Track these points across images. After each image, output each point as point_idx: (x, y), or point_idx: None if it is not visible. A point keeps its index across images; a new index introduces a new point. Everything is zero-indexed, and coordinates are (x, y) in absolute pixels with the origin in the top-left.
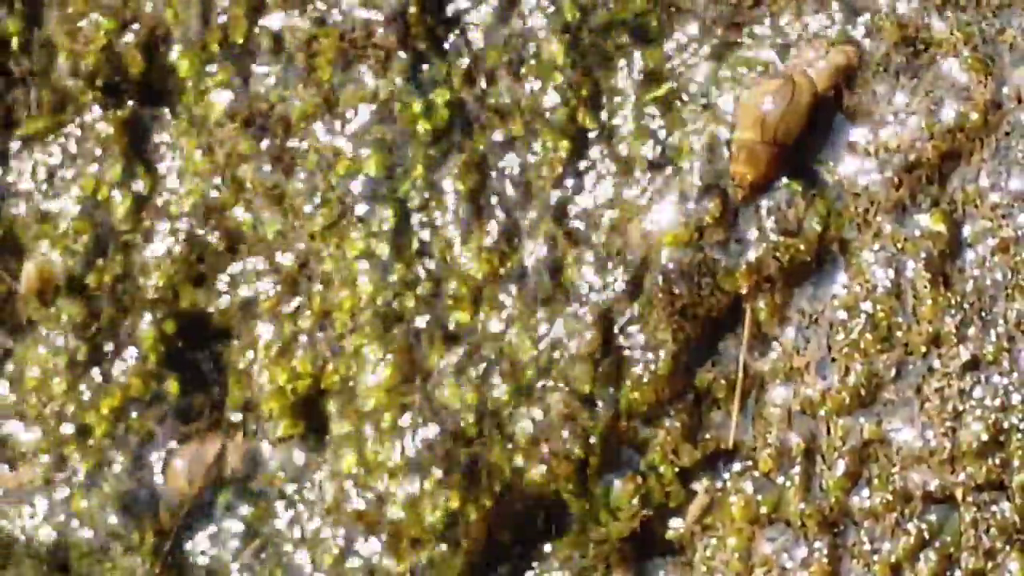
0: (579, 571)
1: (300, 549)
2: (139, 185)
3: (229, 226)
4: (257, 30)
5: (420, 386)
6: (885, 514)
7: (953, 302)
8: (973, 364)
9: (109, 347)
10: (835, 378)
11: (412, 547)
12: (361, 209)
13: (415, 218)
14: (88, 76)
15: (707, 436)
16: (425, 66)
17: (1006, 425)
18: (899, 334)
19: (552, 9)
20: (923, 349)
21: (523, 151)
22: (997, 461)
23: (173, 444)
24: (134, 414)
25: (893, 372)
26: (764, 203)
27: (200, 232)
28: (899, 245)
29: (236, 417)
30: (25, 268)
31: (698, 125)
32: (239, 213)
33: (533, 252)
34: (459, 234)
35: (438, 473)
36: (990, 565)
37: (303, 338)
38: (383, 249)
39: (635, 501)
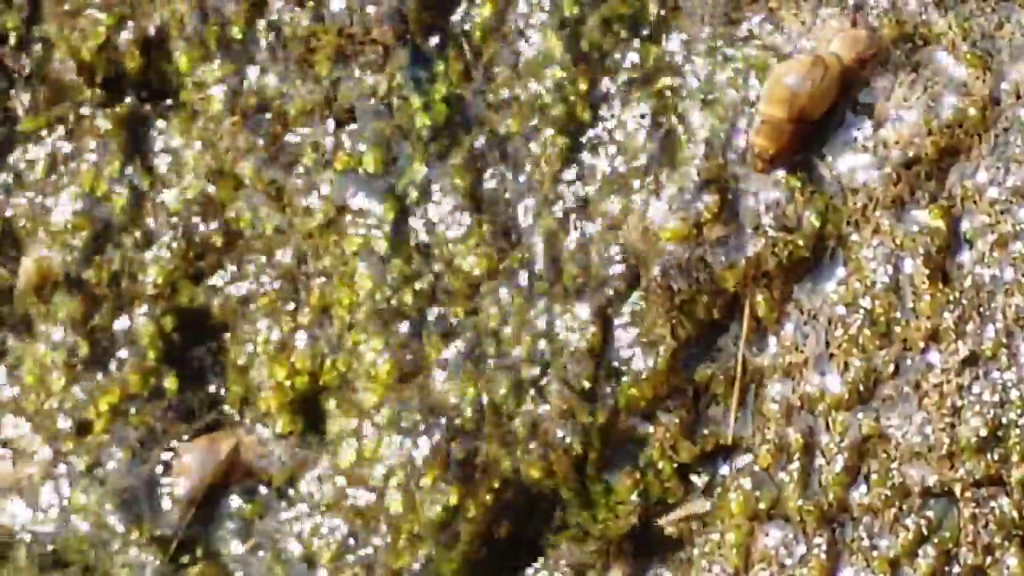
0: (577, 567)
1: (299, 545)
2: (137, 181)
3: (227, 222)
4: (256, 25)
5: (419, 382)
6: (884, 510)
7: (952, 298)
8: (972, 360)
9: (107, 343)
10: (834, 374)
11: (410, 543)
12: (359, 205)
13: (413, 214)
14: (86, 72)
15: (706, 432)
16: (423, 62)
17: (1005, 421)
18: (898, 330)
19: (551, 4)
20: (922, 345)
21: (521, 146)
22: (996, 457)
23: (174, 440)
24: (133, 410)
25: (892, 368)
26: (763, 198)
27: (199, 228)
28: (897, 241)
29: (235, 413)
30: (23, 264)
31: (696, 120)
32: (238, 209)
33: (531, 247)
34: (457, 230)
35: (437, 469)
36: (989, 560)
37: (302, 334)
38: (381, 245)
39: (634, 497)
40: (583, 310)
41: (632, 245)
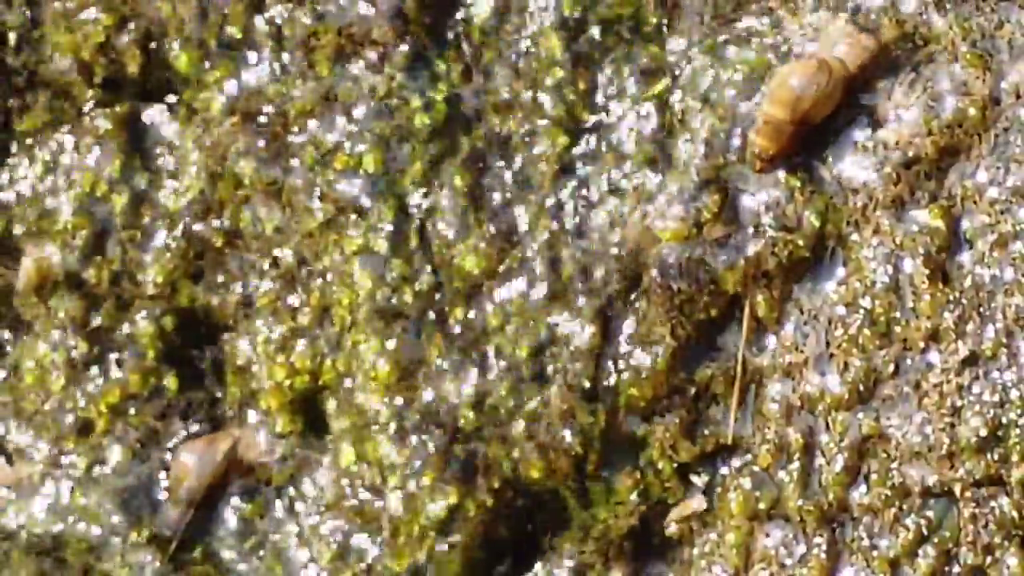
0: (578, 567)
1: (299, 545)
2: (138, 181)
3: (227, 222)
4: (255, 25)
5: (419, 382)
6: (884, 510)
7: (952, 298)
8: (972, 360)
9: (108, 343)
10: (834, 374)
11: (411, 543)
12: (359, 205)
13: (413, 214)
14: (86, 72)
15: (706, 432)
16: (423, 61)
17: (1004, 420)
18: (897, 330)
19: (551, 4)
20: (921, 345)
21: (521, 146)
22: (996, 456)
23: (174, 440)
24: (133, 410)
25: (892, 368)
26: (763, 198)
27: (199, 228)
28: (897, 241)
29: (235, 413)
30: (23, 264)
31: (696, 120)
32: (237, 209)
33: (531, 247)
34: (457, 230)
35: (437, 469)
36: (989, 560)
37: (302, 334)
38: (381, 245)
39: (634, 497)
40: (583, 310)
41: (632, 245)
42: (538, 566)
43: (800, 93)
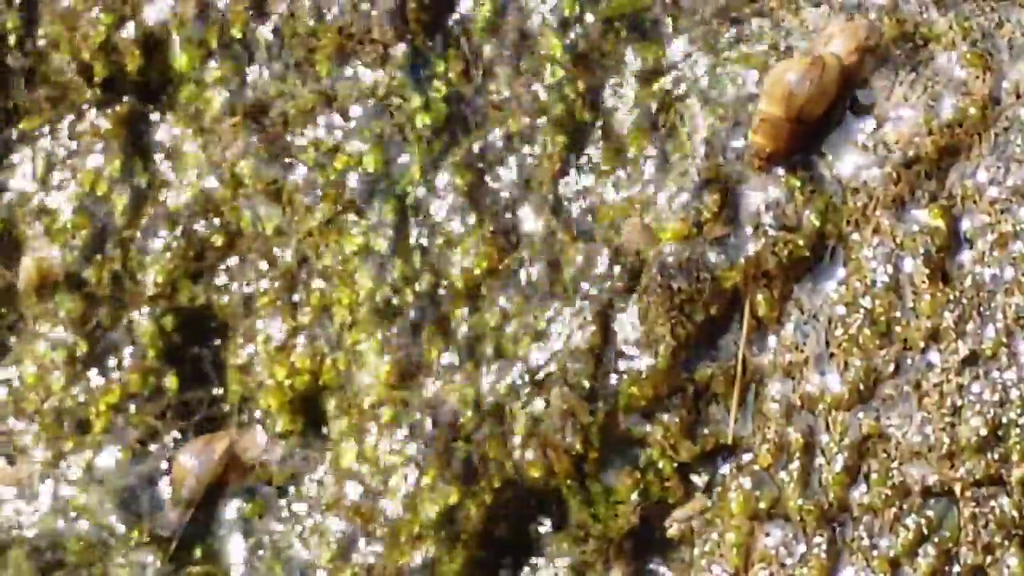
0: (578, 566)
1: (298, 545)
2: (138, 180)
3: (228, 221)
4: (255, 25)
5: (419, 381)
6: (884, 509)
7: (952, 297)
8: (972, 359)
9: (108, 342)
10: (834, 373)
11: (411, 543)
12: (359, 204)
13: (413, 214)
14: (86, 71)
15: (706, 431)
16: (423, 61)
17: (1005, 420)
18: (898, 329)
19: (551, 3)
20: (922, 344)
21: (522, 146)
22: (996, 456)
23: (174, 439)
24: (133, 410)
25: (892, 367)
26: (763, 198)
27: (199, 227)
28: (898, 240)
29: (235, 413)
30: (23, 263)
31: (697, 120)
32: (237, 209)
33: (531, 247)
34: (458, 230)
35: (437, 468)
36: (989, 560)
37: (302, 334)
38: (382, 244)
39: (634, 496)
40: (583, 310)
41: (632, 245)
42: (538, 566)
43: (795, 89)
